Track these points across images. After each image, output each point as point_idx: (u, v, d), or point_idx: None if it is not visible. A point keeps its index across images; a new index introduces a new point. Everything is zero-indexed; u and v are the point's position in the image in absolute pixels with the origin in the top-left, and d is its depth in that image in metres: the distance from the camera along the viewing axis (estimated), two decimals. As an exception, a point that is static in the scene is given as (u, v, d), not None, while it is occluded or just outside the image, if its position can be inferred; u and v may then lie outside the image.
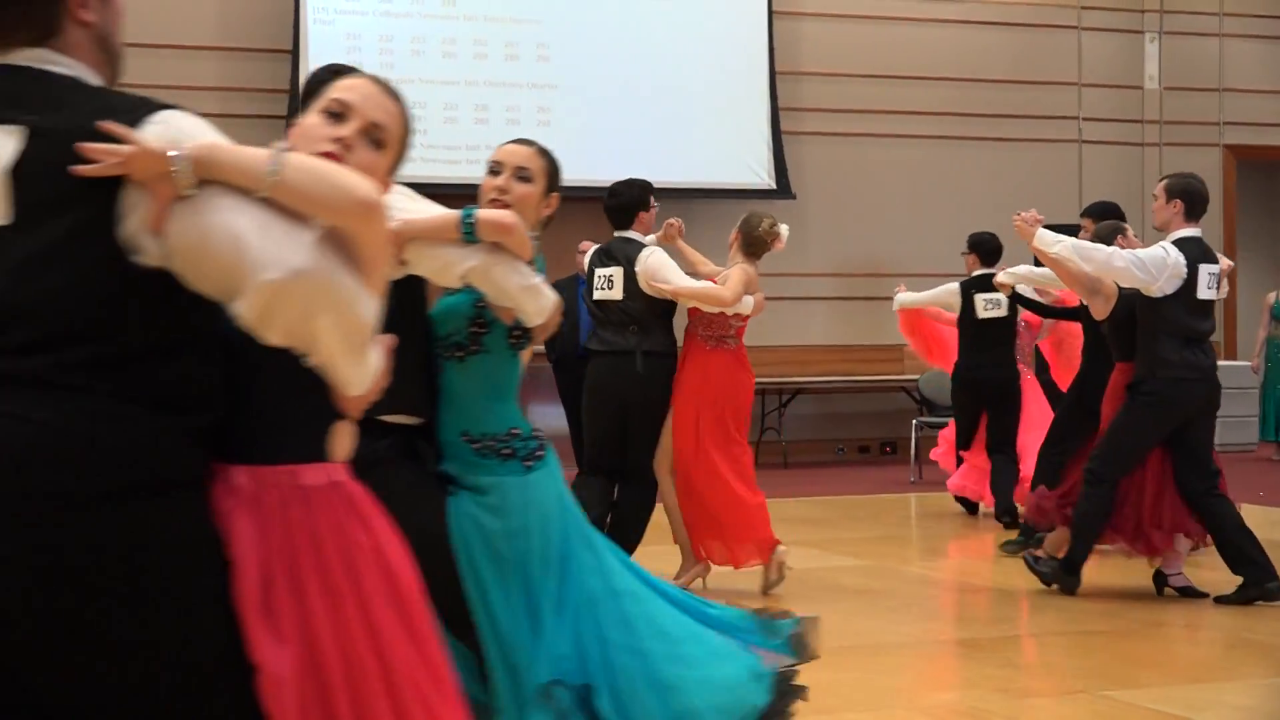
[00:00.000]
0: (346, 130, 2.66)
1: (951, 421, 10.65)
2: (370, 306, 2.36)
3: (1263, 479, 12.64)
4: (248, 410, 2.45)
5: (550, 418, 10.02)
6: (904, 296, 10.61)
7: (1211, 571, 7.63)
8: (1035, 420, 9.85)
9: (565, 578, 3.69)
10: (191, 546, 2.32)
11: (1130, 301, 7.49)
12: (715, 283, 7.51)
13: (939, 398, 12.49)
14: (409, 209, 3.53)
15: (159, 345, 2.29)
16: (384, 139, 2.70)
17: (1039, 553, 7.64)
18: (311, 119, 2.69)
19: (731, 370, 7.56)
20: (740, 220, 7.75)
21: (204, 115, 2.37)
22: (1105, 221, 8.20)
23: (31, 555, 2.18)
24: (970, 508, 10.62)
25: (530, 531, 3.65)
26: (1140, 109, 16.24)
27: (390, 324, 2.49)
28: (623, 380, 7.37)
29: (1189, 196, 7.43)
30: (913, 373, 14.15)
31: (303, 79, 13.01)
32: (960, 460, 10.30)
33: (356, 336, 2.36)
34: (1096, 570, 7.78)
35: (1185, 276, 7.29)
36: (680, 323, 7.57)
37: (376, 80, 2.76)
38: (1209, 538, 7.39)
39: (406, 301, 3.57)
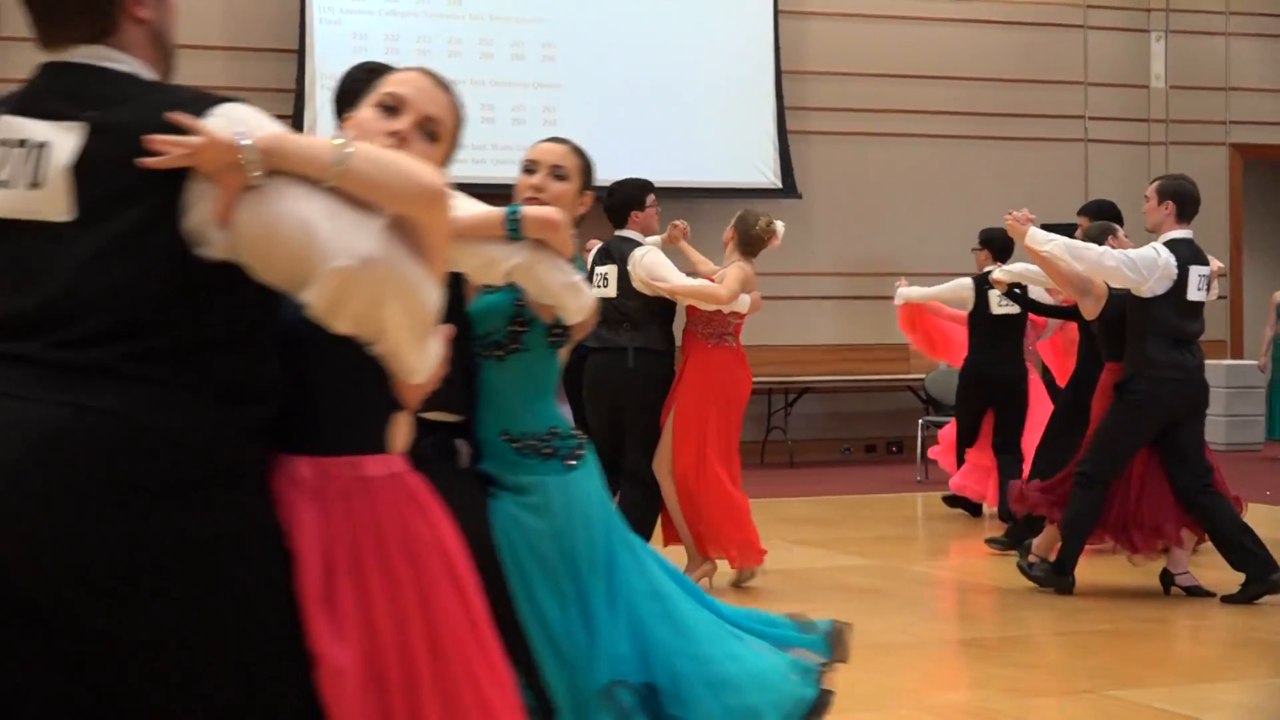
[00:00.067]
0: (402, 123, 2.70)
1: (953, 420, 10.63)
2: (434, 294, 2.38)
3: (1270, 478, 12.62)
4: (310, 401, 2.46)
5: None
6: (908, 291, 10.53)
7: (1214, 571, 7.62)
8: (1040, 420, 9.84)
9: (612, 577, 3.67)
10: (252, 537, 2.33)
11: (1120, 302, 7.51)
12: (713, 281, 7.52)
13: (945, 397, 12.46)
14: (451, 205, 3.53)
15: (221, 337, 2.31)
16: (438, 131, 2.74)
17: (1032, 558, 7.66)
18: (366, 113, 2.72)
19: (732, 368, 7.60)
20: (735, 218, 7.75)
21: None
22: (1096, 222, 8.22)
23: (96, 545, 2.19)
24: (972, 509, 10.58)
25: (575, 531, 3.63)
26: (1146, 108, 16.23)
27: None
28: (616, 377, 7.44)
29: (1180, 198, 7.46)
30: (919, 372, 14.14)
31: (309, 79, 13.09)
32: (961, 460, 10.26)
33: (421, 324, 2.38)
34: (1102, 570, 7.78)
35: (1175, 278, 7.32)
36: (680, 323, 7.59)
37: (429, 74, 2.79)
38: (1202, 537, 7.41)
39: (446, 299, 3.57)
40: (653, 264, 7.37)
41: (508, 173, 4.57)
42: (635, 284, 7.39)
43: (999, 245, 10.03)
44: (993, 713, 5.27)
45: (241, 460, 2.33)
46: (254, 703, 2.31)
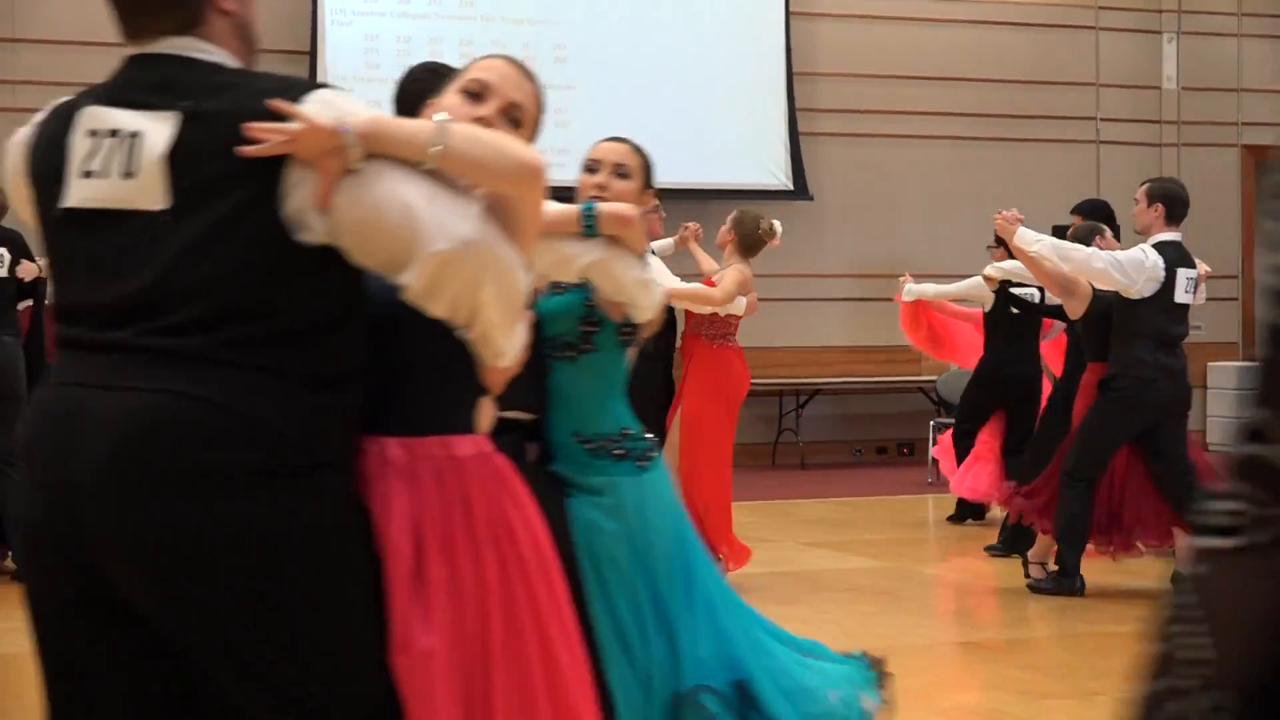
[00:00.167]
0: (486, 110, 2.71)
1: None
2: (526, 277, 2.40)
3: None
4: (400, 382, 2.47)
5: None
6: (919, 288, 10.35)
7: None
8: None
9: (690, 580, 3.64)
10: (343, 524, 2.35)
11: (1105, 302, 7.53)
12: (712, 283, 7.51)
13: (956, 399, 12.41)
14: None
15: (316, 322, 2.32)
16: (521, 118, 2.76)
17: (1033, 569, 7.67)
18: (451, 99, 2.73)
19: (736, 367, 7.62)
20: (731, 220, 7.69)
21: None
22: (1084, 223, 8.24)
23: (194, 534, 2.21)
24: (975, 513, 10.48)
25: (649, 533, 3.59)
26: (1158, 109, 16.20)
27: None
28: None
29: (1170, 201, 7.50)
30: (930, 374, 14.13)
31: (320, 80, 13.10)
32: (960, 459, 10.15)
33: (514, 306, 2.40)
34: (1112, 571, 7.77)
35: (1163, 280, 7.35)
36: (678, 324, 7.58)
37: (514, 61, 2.82)
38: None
39: None
40: None
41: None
42: None
43: None
44: (1006, 715, 5.27)
45: (333, 446, 2.35)
46: (339, 690, 2.33)
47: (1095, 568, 7.56)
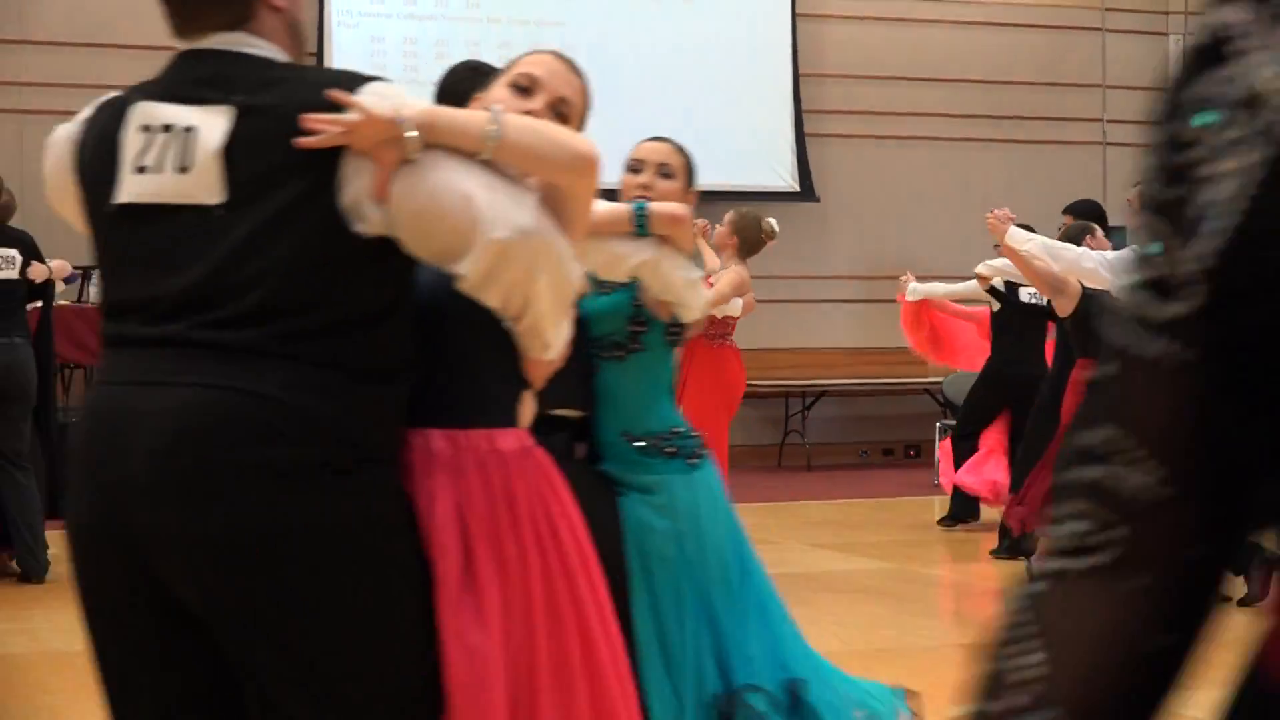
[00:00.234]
0: (535, 104, 2.72)
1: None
2: (578, 268, 2.41)
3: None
4: (444, 374, 2.48)
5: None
6: (923, 287, 10.30)
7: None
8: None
9: (743, 579, 3.64)
10: (393, 519, 2.36)
11: (1094, 300, 7.53)
12: (710, 283, 7.51)
13: (962, 401, 12.40)
14: None
15: (368, 314, 2.32)
16: (569, 112, 2.77)
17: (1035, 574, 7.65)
18: (499, 93, 2.75)
19: (735, 367, 7.64)
20: (730, 221, 7.65)
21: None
22: (1075, 222, 8.25)
23: (248, 528, 2.21)
24: (966, 516, 10.39)
25: (702, 531, 3.59)
26: (1165, 111, 16.19)
27: None
28: None
29: None
30: (936, 375, 14.12)
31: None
32: (959, 463, 10.11)
33: (565, 297, 2.42)
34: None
35: None
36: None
37: (562, 56, 2.84)
38: None
39: None
40: None
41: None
42: None
43: None
44: (1009, 716, 5.27)
45: (382, 439, 2.35)
46: (381, 684, 2.33)
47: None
